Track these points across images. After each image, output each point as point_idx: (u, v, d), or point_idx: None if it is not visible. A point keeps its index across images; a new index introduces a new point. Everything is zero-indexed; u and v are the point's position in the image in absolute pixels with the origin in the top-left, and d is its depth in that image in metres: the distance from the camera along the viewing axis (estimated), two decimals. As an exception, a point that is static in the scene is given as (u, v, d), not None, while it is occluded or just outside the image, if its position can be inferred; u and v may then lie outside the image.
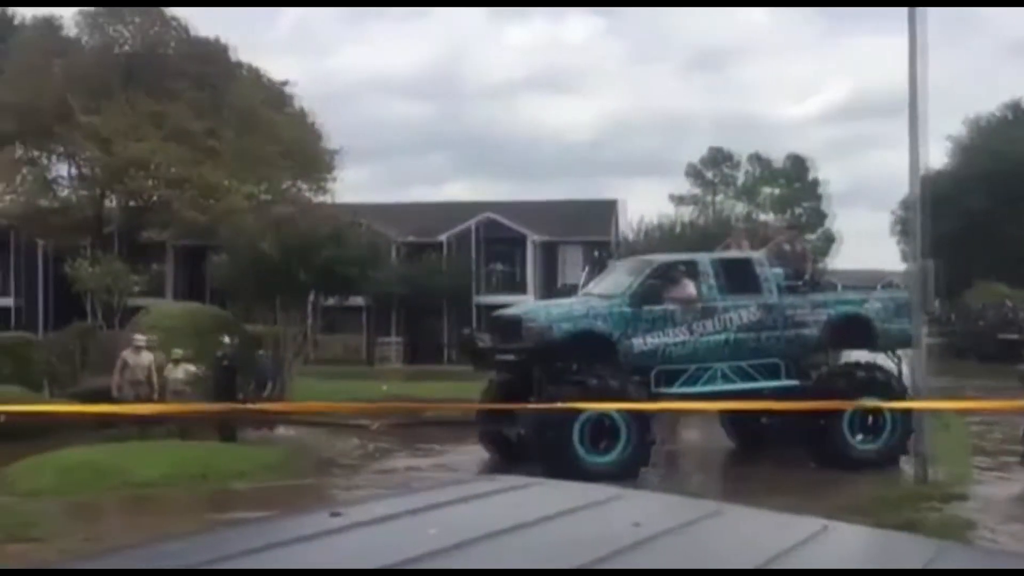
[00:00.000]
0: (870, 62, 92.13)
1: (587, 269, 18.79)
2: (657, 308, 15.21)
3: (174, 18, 41.11)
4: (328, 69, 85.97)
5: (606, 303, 15.40)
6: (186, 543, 2.01)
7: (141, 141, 37.39)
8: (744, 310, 15.49)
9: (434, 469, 16.42)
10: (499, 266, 50.24)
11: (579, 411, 13.86)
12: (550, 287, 50.15)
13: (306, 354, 32.13)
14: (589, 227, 49.87)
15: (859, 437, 15.44)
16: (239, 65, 42.35)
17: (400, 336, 48.08)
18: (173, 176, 38.42)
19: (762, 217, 64.65)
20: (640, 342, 15.06)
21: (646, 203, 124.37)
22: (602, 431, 14.44)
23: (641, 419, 14.41)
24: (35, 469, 14.17)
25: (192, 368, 18.69)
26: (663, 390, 14.97)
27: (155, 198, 39.89)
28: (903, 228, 46.38)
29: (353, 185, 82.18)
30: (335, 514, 2.13)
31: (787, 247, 17.09)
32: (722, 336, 15.35)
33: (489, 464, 15.97)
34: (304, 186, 43.78)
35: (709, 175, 73.47)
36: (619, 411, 14.08)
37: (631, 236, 40.46)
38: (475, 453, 17.56)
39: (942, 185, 41.75)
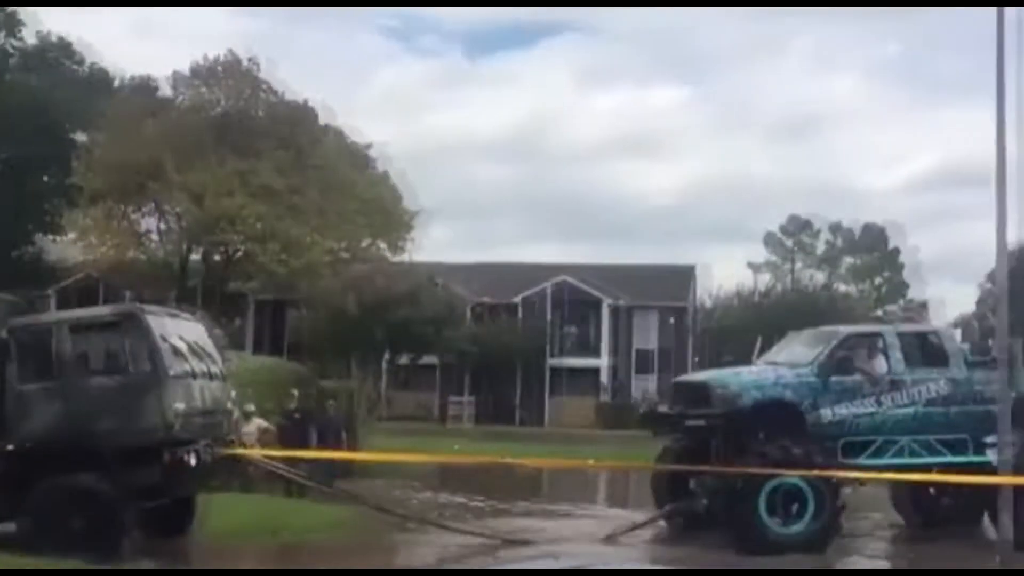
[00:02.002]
0: (959, 133, 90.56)
1: (759, 338, 18.73)
2: (847, 379, 15.09)
3: (265, 81, 42.52)
4: (418, 131, 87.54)
5: (794, 372, 15.28)
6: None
7: (230, 197, 38.55)
8: (932, 383, 15.23)
9: (501, 534, 16.25)
10: (573, 329, 50.22)
11: (766, 480, 13.90)
12: (624, 351, 49.97)
13: (379, 411, 32.38)
14: (665, 292, 49.67)
15: None
16: (325, 128, 43.53)
17: (472, 396, 48.20)
18: (258, 231, 39.47)
19: (842, 287, 63.75)
20: (828, 413, 14.89)
21: (727, 270, 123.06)
22: (790, 501, 14.20)
23: (832, 490, 14.29)
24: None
25: (264, 423, 18.91)
26: (849, 461, 14.78)
27: (240, 252, 40.97)
28: (991, 302, 45.29)
29: (438, 245, 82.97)
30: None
31: (974, 322, 16.73)
32: (910, 409, 15.10)
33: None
34: (383, 245, 44.53)
35: (788, 243, 72.82)
36: (808, 481, 14.03)
37: (708, 303, 40.16)
38: (553, 516, 17.46)
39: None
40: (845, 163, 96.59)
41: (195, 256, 43.25)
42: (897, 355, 15.32)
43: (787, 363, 15.67)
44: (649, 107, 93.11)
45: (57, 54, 46.25)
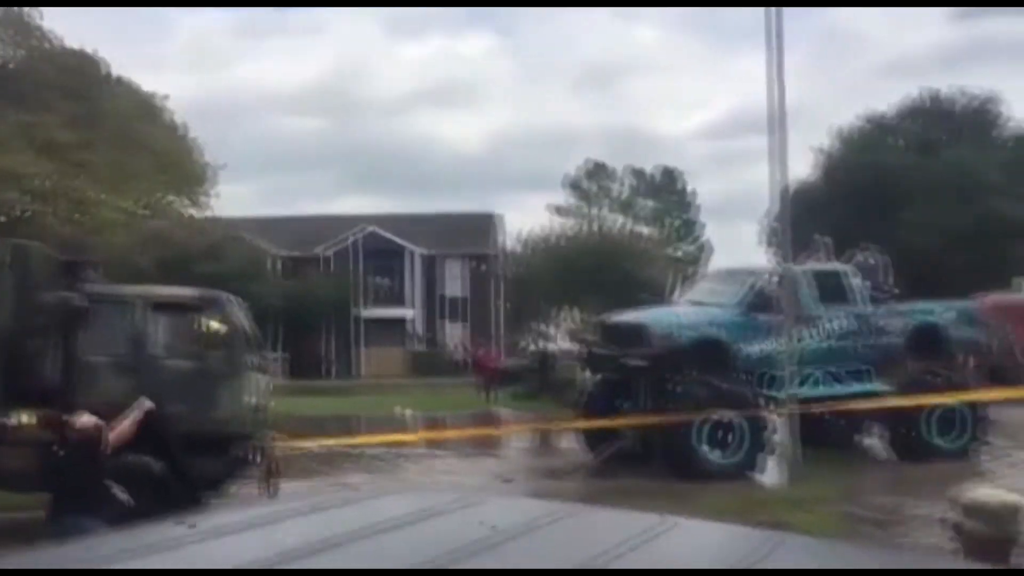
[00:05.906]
0: (750, 81, 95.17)
1: (673, 277, 19.56)
2: (769, 317, 15.85)
3: (50, 30, 39.84)
4: (222, 83, 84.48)
5: (723, 312, 16.00)
6: (41, 554, 2.06)
7: (13, 153, 36.06)
8: (839, 320, 16.37)
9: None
10: (380, 279, 50.06)
11: (699, 414, 14.78)
12: (432, 300, 50.24)
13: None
14: (470, 240, 50.15)
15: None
16: (118, 79, 41.31)
17: (282, 351, 47.44)
18: (45, 189, 37.20)
19: (640, 229, 65.94)
20: (754, 349, 15.81)
21: (534, 217, 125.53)
22: (723, 433, 15.14)
23: (760, 420, 15.40)
24: None
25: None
26: (769, 393, 15.75)
27: (26, 212, 38.48)
28: (775, 238, 48.00)
29: (241, 200, 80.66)
30: (191, 526, 2.21)
31: (871, 260, 17.73)
32: (824, 344, 16.25)
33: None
34: (186, 200, 42.89)
35: (591, 187, 74.58)
36: (739, 413, 14.99)
37: (512, 247, 40.79)
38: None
39: (811, 196, 43.30)
40: (645, 111, 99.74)
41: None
42: (808, 293, 16.32)
43: (712, 303, 16.44)
44: (457, 56, 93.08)
45: None
